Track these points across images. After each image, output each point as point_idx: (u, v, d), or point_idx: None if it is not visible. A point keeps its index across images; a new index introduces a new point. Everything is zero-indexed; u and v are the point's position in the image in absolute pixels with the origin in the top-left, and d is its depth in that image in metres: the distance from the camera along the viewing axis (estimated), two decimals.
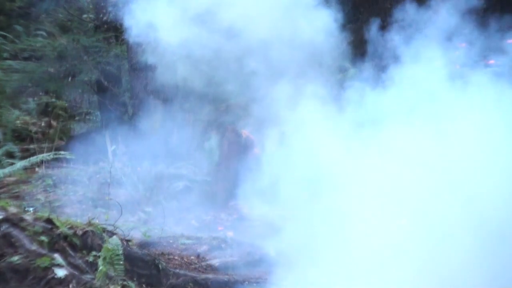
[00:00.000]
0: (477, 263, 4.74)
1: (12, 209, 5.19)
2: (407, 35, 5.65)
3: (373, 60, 5.92)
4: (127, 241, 5.52)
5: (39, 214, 5.35)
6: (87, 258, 5.08)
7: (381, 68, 5.58)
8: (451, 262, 4.76)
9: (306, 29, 6.28)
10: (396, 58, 5.49)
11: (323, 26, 6.26)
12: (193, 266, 6.14)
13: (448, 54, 5.45)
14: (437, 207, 4.89)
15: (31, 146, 9.69)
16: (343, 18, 6.35)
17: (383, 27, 5.99)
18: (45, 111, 11.14)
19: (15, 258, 4.82)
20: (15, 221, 5.05)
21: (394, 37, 5.70)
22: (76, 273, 4.88)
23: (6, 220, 5.01)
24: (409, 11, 5.90)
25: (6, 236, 4.93)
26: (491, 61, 5.55)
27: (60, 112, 11.15)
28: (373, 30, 6.16)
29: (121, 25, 7.95)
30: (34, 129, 10.41)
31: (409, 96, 5.25)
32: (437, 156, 5.01)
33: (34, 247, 4.93)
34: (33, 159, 7.39)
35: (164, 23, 6.46)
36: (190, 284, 5.69)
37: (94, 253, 5.13)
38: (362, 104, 5.42)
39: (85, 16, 11.61)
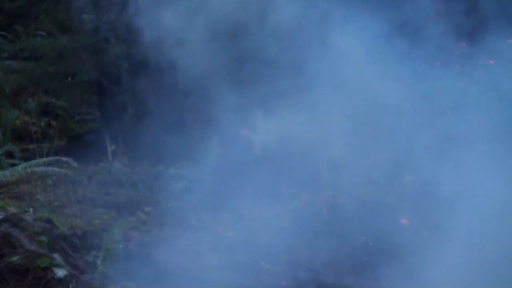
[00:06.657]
0: None
1: (12, 209, 5.19)
2: None
3: None
4: (127, 241, 5.51)
5: (39, 214, 5.35)
6: (86, 258, 5.08)
7: None
8: None
9: None
10: None
11: None
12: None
13: None
14: None
15: (31, 146, 9.68)
16: None
17: None
18: (45, 111, 11.13)
19: (15, 258, 4.82)
20: (15, 221, 5.05)
21: None
22: (76, 273, 4.88)
23: (6, 220, 5.02)
24: None
25: (6, 236, 4.94)
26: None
27: (60, 112, 11.14)
28: None
29: (121, 24, 7.95)
30: (34, 129, 10.39)
31: None
32: None
33: (33, 247, 4.93)
34: (34, 163, 7.39)
35: (165, 22, 6.45)
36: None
37: (93, 253, 5.13)
38: None
39: (85, 16, 11.60)
